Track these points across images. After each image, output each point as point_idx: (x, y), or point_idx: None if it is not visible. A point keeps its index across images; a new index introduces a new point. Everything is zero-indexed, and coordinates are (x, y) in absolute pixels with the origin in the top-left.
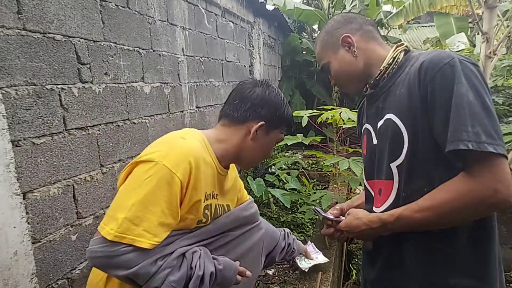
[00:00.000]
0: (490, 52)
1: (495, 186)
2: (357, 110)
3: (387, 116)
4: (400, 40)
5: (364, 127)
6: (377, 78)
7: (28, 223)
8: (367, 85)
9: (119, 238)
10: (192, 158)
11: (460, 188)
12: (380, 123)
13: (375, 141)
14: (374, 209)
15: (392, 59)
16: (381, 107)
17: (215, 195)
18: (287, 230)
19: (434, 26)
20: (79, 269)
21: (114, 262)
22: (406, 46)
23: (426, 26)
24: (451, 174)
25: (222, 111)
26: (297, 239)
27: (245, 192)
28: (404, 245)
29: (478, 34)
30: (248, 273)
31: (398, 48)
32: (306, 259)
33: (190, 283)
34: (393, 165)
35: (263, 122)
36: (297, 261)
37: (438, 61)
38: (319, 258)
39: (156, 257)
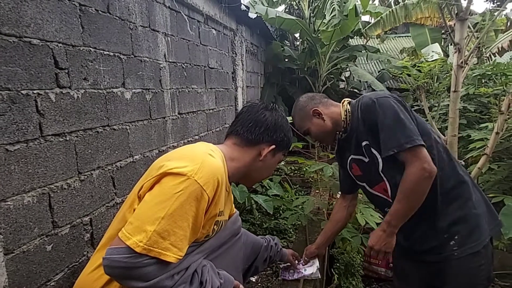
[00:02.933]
0: (462, 62)
1: (423, 165)
2: None
3: (364, 143)
4: (379, 50)
5: (350, 159)
6: (344, 127)
7: (0, 234)
8: (340, 133)
9: (147, 250)
10: (219, 176)
11: (407, 177)
12: (362, 149)
13: (366, 160)
14: (390, 200)
15: (345, 111)
16: (357, 140)
17: (222, 213)
18: (272, 241)
19: (410, 36)
20: (54, 281)
21: (134, 274)
22: (348, 100)
23: (402, 36)
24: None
25: (233, 130)
26: (283, 248)
27: (233, 204)
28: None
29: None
30: (241, 286)
31: (344, 104)
32: (292, 276)
33: None
34: (380, 170)
35: (274, 146)
36: (285, 274)
37: (365, 104)
38: (309, 271)
39: (173, 272)
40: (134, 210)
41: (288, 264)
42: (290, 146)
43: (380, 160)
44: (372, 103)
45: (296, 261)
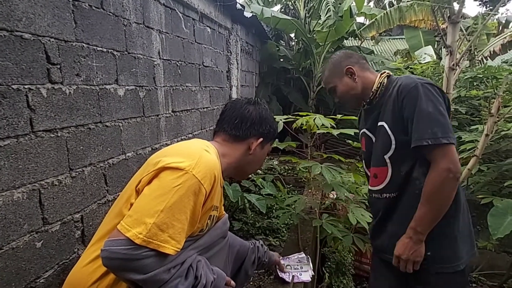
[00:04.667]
0: (454, 64)
1: (449, 165)
2: (332, 116)
3: (380, 123)
4: (373, 51)
5: (362, 131)
6: (371, 98)
7: None
8: (364, 102)
9: (146, 242)
10: (216, 171)
11: (432, 177)
12: (376, 129)
13: (374, 141)
14: (370, 187)
15: (379, 83)
16: (375, 117)
17: (216, 207)
18: (258, 243)
19: (404, 38)
20: (44, 278)
21: (132, 265)
22: (388, 73)
23: (397, 38)
24: (423, 159)
25: (220, 128)
26: (271, 243)
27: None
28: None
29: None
30: (232, 283)
31: (382, 75)
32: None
33: None
34: (386, 156)
35: (262, 139)
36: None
37: (408, 85)
38: (305, 277)
39: (170, 266)
40: (131, 204)
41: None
42: (276, 136)
43: (393, 146)
44: (415, 86)
45: (287, 266)
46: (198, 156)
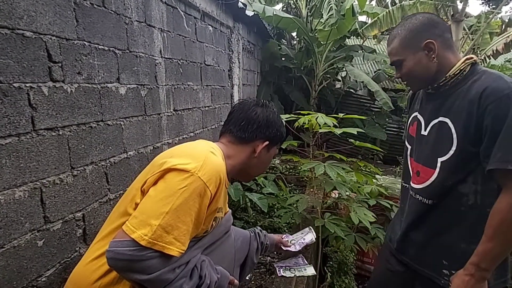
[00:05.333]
0: None
1: None
2: (334, 115)
3: (442, 118)
4: (375, 50)
5: (414, 115)
6: (440, 84)
7: None
8: (430, 87)
9: (152, 244)
10: (221, 174)
11: (504, 207)
12: (434, 121)
13: (423, 132)
14: (412, 184)
15: (458, 70)
16: (437, 108)
17: (221, 209)
18: (256, 229)
19: None
20: (45, 276)
21: (137, 266)
22: (474, 60)
23: None
24: (483, 172)
25: (227, 129)
26: (268, 233)
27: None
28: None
29: None
30: (236, 281)
31: (467, 61)
32: (289, 271)
33: None
34: (440, 159)
35: (268, 142)
36: (280, 271)
37: (499, 90)
38: (309, 238)
39: (175, 266)
40: (136, 204)
41: (283, 260)
42: (284, 140)
43: (452, 151)
44: (509, 95)
45: (289, 239)
46: (204, 158)
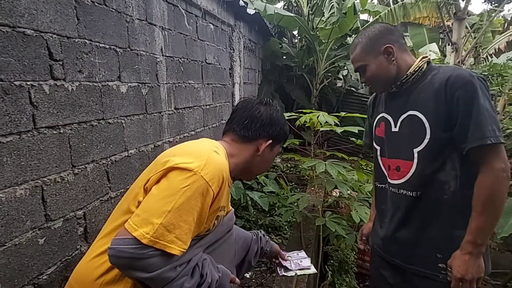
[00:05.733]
0: (459, 62)
1: (502, 165)
2: (335, 114)
3: (411, 112)
4: None
5: (381, 115)
6: (403, 81)
7: None
8: (393, 87)
9: (153, 242)
10: (224, 172)
11: (486, 181)
12: (403, 116)
13: (394, 129)
14: (390, 180)
15: (417, 67)
16: (403, 104)
17: (224, 208)
18: (260, 233)
19: (408, 36)
20: (46, 274)
21: (138, 264)
22: (429, 58)
23: None
24: (459, 156)
25: (230, 128)
26: (274, 241)
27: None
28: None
29: (448, 44)
30: (237, 280)
31: (423, 59)
32: (290, 271)
33: None
34: (416, 150)
35: (271, 141)
36: (282, 270)
37: (462, 77)
38: (306, 262)
39: (176, 264)
40: (138, 202)
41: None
42: (287, 138)
43: (426, 140)
44: (472, 79)
45: (288, 256)
46: (207, 157)
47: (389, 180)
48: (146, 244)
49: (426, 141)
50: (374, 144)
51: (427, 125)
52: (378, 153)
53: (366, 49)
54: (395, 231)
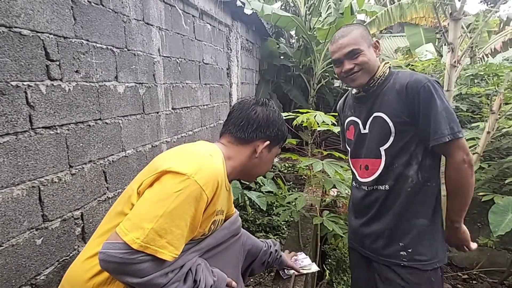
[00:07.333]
0: (455, 62)
1: (464, 156)
2: (332, 114)
3: (376, 114)
4: None
5: (350, 119)
6: (370, 85)
7: None
8: (360, 89)
9: (143, 247)
10: (219, 177)
11: (451, 172)
12: (370, 119)
13: (364, 131)
14: (360, 179)
15: (382, 72)
16: (371, 107)
17: (222, 212)
18: (273, 247)
19: (404, 36)
20: (44, 275)
21: (128, 269)
22: (390, 64)
23: (397, 36)
24: (421, 152)
25: (226, 129)
26: (284, 253)
27: (232, 204)
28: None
29: (444, 44)
30: (234, 284)
31: (386, 65)
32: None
33: None
34: (382, 148)
35: (268, 142)
36: (284, 271)
37: (419, 81)
38: (306, 262)
39: (168, 270)
40: (132, 204)
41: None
42: (286, 139)
43: (391, 138)
44: (428, 83)
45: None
46: (201, 162)
47: (359, 179)
48: (136, 249)
49: (391, 139)
50: (346, 146)
51: (391, 124)
52: (349, 155)
53: (363, 36)
54: (365, 225)
